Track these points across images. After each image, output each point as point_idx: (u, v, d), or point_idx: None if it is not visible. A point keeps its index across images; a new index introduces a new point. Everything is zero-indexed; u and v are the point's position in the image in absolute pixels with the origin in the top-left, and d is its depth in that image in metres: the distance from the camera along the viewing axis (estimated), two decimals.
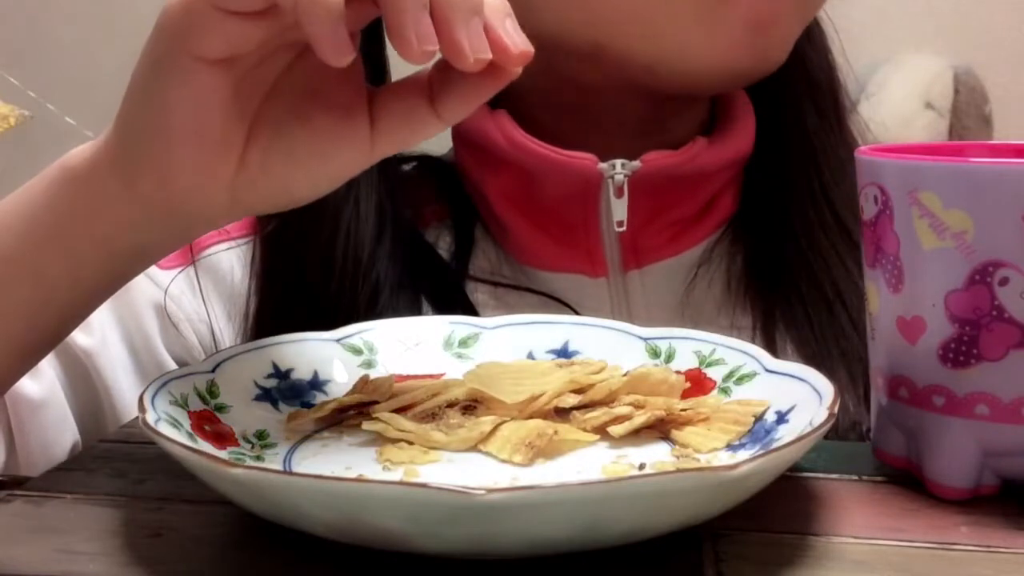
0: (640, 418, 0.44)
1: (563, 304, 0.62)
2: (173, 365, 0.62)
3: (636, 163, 0.60)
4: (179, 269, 0.62)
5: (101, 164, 0.43)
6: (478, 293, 0.63)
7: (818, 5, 0.61)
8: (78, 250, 0.44)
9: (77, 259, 0.45)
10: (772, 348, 0.62)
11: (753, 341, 0.61)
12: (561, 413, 0.46)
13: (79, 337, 0.58)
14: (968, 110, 1.73)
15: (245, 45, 0.40)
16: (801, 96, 0.66)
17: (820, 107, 0.67)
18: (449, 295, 0.62)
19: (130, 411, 0.58)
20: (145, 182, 0.43)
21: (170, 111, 0.41)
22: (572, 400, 0.46)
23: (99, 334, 0.59)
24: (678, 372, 0.48)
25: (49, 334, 0.47)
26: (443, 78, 0.41)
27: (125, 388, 0.60)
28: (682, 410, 0.45)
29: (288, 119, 0.43)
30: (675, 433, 0.44)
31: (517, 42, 0.40)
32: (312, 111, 0.43)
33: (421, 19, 0.38)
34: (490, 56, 0.40)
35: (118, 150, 0.43)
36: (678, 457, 0.42)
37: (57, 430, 0.57)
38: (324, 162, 0.43)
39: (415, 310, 0.61)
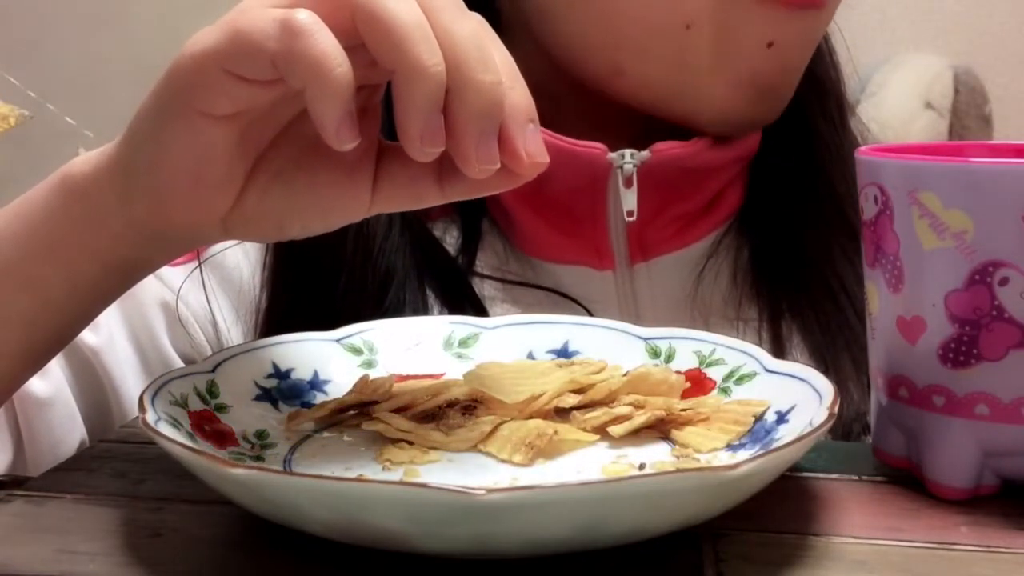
0: (640, 418, 0.44)
1: (569, 299, 0.62)
2: (179, 363, 0.62)
3: (645, 153, 0.61)
4: (186, 267, 0.63)
5: (100, 180, 0.43)
6: (485, 287, 0.63)
7: (814, 46, 0.62)
8: (75, 261, 0.44)
9: (74, 269, 0.45)
10: (779, 339, 0.62)
11: (760, 333, 0.62)
12: (561, 413, 0.46)
13: (86, 335, 0.58)
14: (968, 110, 1.73)
15: (252, 105, 0.40)
16: (807, 94, 0.67)
17: (825, 105, 0.68)
18: (456, 289, 0.62)
19: (136, 410, 0.59)
20: (139, 207, 0.43)
21: (171, 157, 0.41)
22: (572, 400, 0.46)
23: (106, 332, 0.60)
24: (678, 372, 0.48)
25: (49, 342, 0.47)
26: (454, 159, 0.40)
27: (132, 386, 0.60)
28: (682, 410, 0.45)
29: (291, 167, 0.43)
30: (675, 433, 0.44)
31: (532, 151, 0.40)
32: (316, 163, 0.43)
33: (430, 121, 0.37)
34: (497, 166, 0.39)
35: (117, 172, 0.43)
36: (678, 457, 0.42)
37: (65, 429, 0.57)
38: (319, 211, 0.43)
39: (422, 302, 0.61)
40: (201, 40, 0.39)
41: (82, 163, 0.44)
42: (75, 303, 0.46)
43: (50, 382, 0.56)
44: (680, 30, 0.57)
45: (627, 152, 0.61)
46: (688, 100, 0.60)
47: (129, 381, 0.60)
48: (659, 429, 0.45)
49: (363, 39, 0.37)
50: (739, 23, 0.57)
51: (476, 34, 0.38)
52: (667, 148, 0.61)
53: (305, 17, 0.37)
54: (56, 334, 0.47)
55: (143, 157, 0.42)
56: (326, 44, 0.36)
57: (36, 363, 0.49)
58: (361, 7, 0.37)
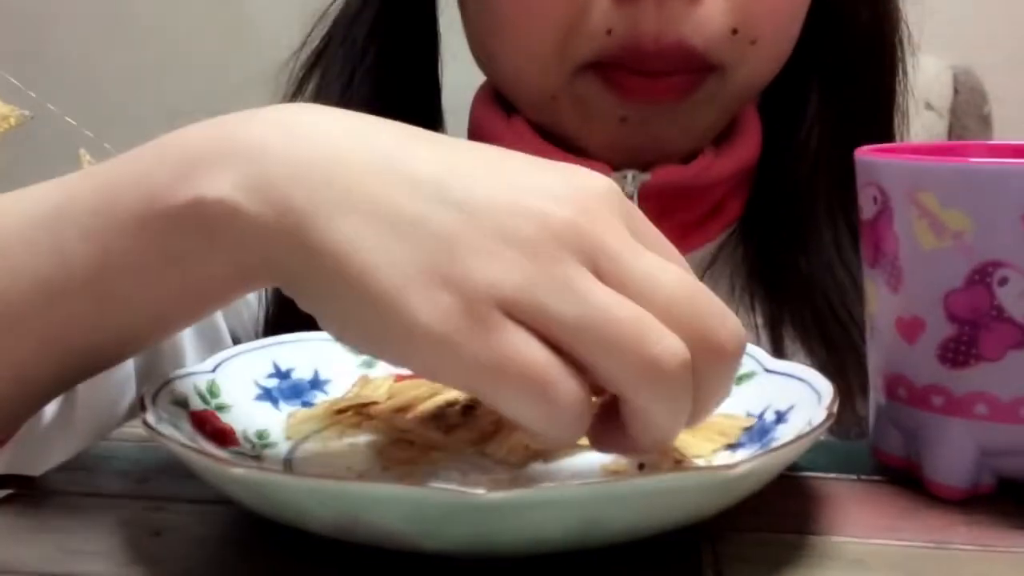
0: None
1: None
2: (228, 340, 0.63)
3: (646, 176, 0.63)
4: None
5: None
6: None
7: (704, 115, 0.63)
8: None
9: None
10: (779, 350, 0.62)
11: (758, 342, 0.62)
12: None
13: None
14: (968, 110, 1.73)
15: None
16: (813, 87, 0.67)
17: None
18: None
19: None
20: None
21: None
22: None
23: None
24: None
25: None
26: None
27: (189, 355, 0.60)
28: None
29: None
30: None
31: None
32: None
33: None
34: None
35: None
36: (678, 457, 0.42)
37: (121, 390, 0.57)
38: None
39: None
40: (500, 382, 0.33)
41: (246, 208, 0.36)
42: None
43: None
44: (549, 100, 0.62)
45: (629, 173, 0.62)
46: (579, 145, 0.64)
47: (188, 351, 0.61)
48: None
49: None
50: (590, 99, 0.60)
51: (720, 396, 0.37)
52: (667, 173, 0.63)
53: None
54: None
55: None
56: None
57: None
58: (634, 398, 0.34)
